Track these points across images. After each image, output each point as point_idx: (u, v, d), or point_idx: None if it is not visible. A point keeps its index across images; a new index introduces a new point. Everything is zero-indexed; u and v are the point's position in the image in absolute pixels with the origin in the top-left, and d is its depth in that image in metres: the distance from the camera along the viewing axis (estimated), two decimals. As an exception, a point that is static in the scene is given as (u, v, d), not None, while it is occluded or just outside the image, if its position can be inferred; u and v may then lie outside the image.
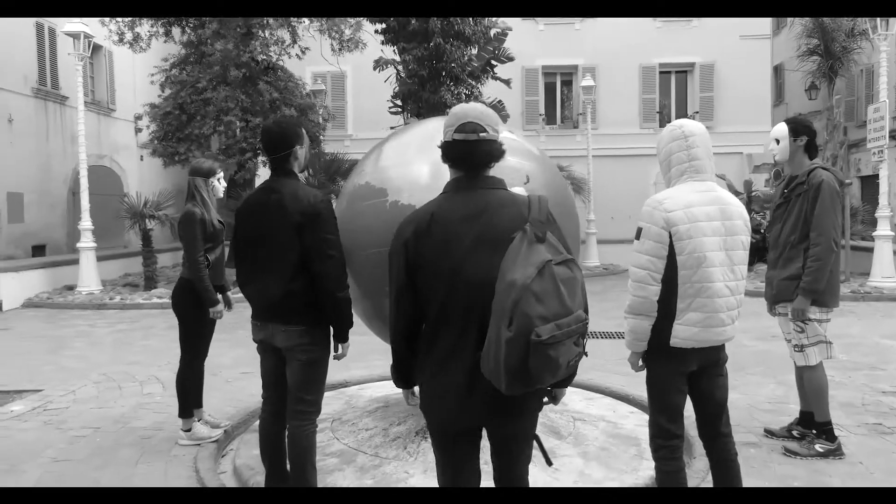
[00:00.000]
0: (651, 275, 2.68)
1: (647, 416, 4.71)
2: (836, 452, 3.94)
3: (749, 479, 3.66)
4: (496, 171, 2.23)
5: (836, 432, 4.04)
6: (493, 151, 2.15)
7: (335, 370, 5.88)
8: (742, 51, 19.38)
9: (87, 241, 11.84)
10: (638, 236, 2.73)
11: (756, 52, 19.55)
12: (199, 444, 4.23)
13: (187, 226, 4.08)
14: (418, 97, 11.20)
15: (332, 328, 3.07)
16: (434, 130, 4.14)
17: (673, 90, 20.47)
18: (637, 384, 5.54)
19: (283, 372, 3.11)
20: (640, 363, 2.85)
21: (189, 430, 4.29)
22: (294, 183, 3.04)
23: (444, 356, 2.10)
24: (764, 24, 19.71)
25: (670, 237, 2.66)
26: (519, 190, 3.52)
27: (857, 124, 20.93)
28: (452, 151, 2.15)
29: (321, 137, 13.78)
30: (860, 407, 4.96)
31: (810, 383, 3.99)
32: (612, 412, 4.73)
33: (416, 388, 2.32)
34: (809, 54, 17.56)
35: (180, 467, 3.94)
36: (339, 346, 3.13)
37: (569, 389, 5.14)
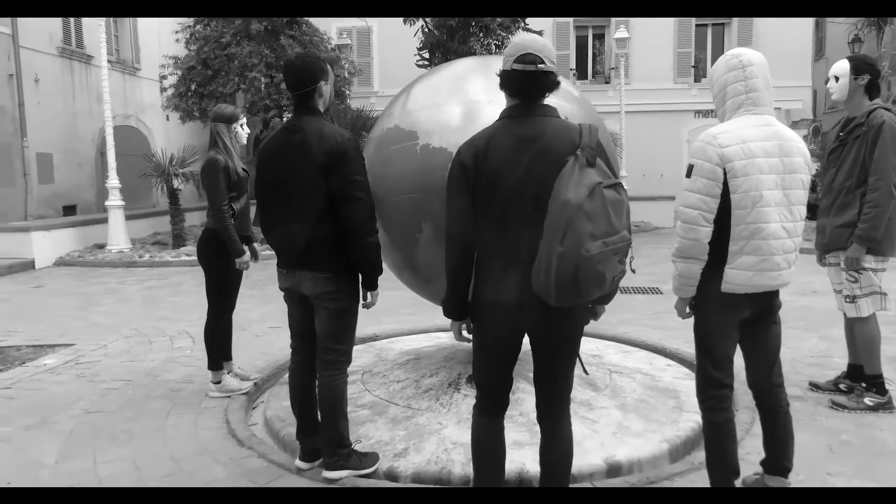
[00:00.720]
0: (703, 215, 2.50)
1: (684, 370, 4.63)
2: (886, 406, 3.76)
3: (797, 434, 3.51)
4: None
5: (887, 386, 3.85)
6: (550, 83, 2.25)
7: (364, 323, 5.83)
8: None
9: (115, 200, 11.87)
10: (689, 174, 2.54)
11: (797, 1, 18.67)
12: (229, 397, 4.19)
13: (210, 173, 3.97)
14: (447, 48, 10.79)
15: (360, 275, 2.96)
16: (464, 71, 3.97)
17: (709, 44, 19.75)
18: (674, 338, 5.43)
19: (311, 321, 3.01)
20: (688, 310, 2.69)
21: (219, 383, 4.25)
22: (318, 121, 2.89)
23: (498, 274, 2.23)
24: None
25: (724, 174, 2.47)
26: None
27: (900, 77, 20.09)
28: (512, 81, 2.25)
29: (347, 93, 13.54)
30: (910, 362, 4.75)
31: (861, 335, 3.80)
32: (650, 365, 4.58)
33: (465, 327, 2.46)
34: None
35: (211, 419, 3.91)
36: (368, 294, 3.01)
37: (604, 343, 5.13)
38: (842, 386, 4.04)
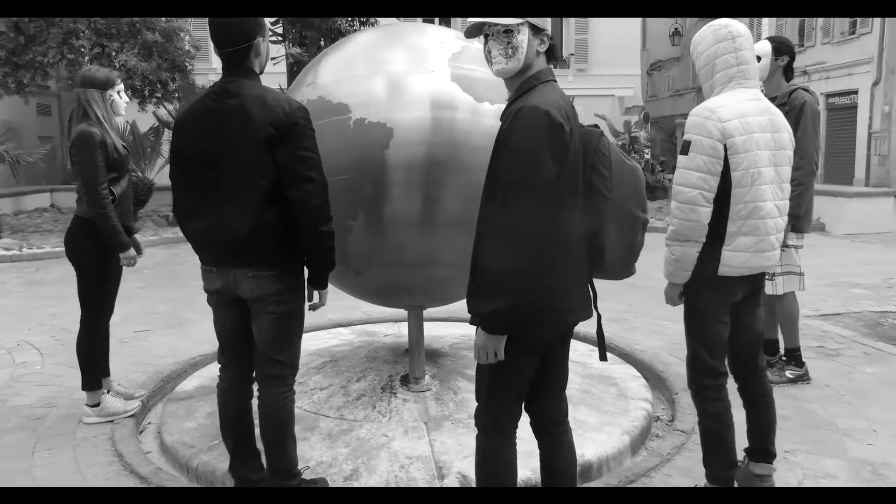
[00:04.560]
0: (703, 194, 2.35)
1: (609, 354, 4.59)
2: (804, 377, 3.93)
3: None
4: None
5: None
6: None
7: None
8: (616, -6, 19.68)
9: None
10: (685, 151, 2.37)
11: (629, -5, 19.94)
12: (111, 421, 3.46)
13: (84, 150, 3.20)
14: (307, 23, 9.98)
15: (308, 271, 2.48)
16: (373, 42, 3.54)
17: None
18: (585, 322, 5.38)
19: (247, 328, 2.48)
20: (680, 296, 2.53)
21: (97, 406, 3.50)
22: (258, 85, 2.36)
23: (571, 257, 2.01)
24: (637, -33, 20.08)
25: (725, 150, 2.32)
26: (500, 106, 3.06)
27: (715, 71, 22.18)
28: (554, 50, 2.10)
29: (189, 68, 12.27)
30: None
31: (781, 310, 3.92)
32: (574, 352, 4.44)
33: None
34: None
35: (94, 453, 3.19)
36: (316, 293, 2.54)
37: None
38: (758, 360, 4.17)
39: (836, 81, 16.92)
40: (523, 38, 1.99)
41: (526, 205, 1.86)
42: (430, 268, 3.26)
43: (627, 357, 4.49)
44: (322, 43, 10.92)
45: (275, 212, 2.32)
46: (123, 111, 3.45)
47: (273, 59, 12.88)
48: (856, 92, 16.30)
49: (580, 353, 4.43)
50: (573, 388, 3.69)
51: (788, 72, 3.84)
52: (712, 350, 2.49)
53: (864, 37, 15.74)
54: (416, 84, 3.16)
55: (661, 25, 23.20)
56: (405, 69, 3.23)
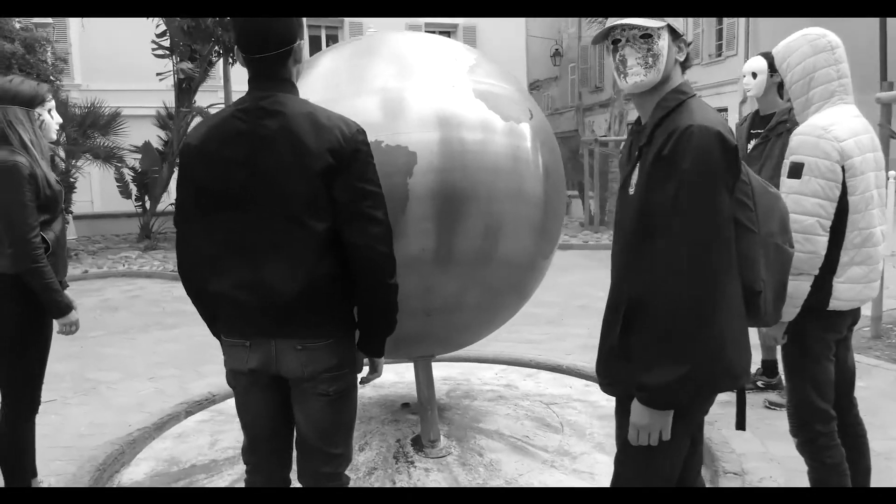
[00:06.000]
0: (820, 222, 2.09)
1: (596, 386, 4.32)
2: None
3: (752, 442, 3.37)
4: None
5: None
6: None
7: (188, 375, 4.50)
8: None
9: None
10: (797, 174, 2.10)
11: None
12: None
13: (7, 184, 2.44)
14: (207, 32, 8.86)
15: (362, 334, 1.94)
16: (356, 58, 3.02)
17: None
18: (550, 350, 5.10)
19: (287, 415, 1.91)
20: (784, 335, 2.25)
21: (28, 517, 2.67)
22: (303, 101, 1.82)
23: (740, 307, 1.67)
24: (520, -9, 20.63)
25: (843, 173, 2.07)
26: (525, 125, 2.74)
27: (591, 90, 23.24)
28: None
29: (59, 84, 10.86)
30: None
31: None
32: (570, 388, 4.13)
33: None
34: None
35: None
36: (373, 361, 2.01)
37: (491, 366, 4.57)
38: (759, 383, 4.05)
39: (707, 100, 17.90)
40: (664, 43, 1.64)
41: (702, 246, 1.53)
42: (454, 312, 2.80)
43: (624, 390, 4.22)
44: (217, 59, 10.00)
45: (329, 263, 1.78)
46: (55, 135, 2.69)
47: (159, 74, 11.85)
48: (725, 110, 17.52)
49: (577, 390, 4.11)
50: (599, 433, 3.38)
51: (782, 88, 3.76)
52: (822, 392, 2.23)
53: (731, 59, 16.97)
54: (411, 102, 2.69)
55: (542, 46, 23.94)
56: (404, 85, 2.76)
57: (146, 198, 12.96)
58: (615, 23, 1.64)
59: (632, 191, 1.67)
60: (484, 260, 2.75)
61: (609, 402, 3.83)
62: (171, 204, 13.40)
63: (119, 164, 12.57)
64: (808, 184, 2.08)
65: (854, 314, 2.29)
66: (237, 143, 1.75)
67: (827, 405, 2.24)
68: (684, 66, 1.72)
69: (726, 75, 17.12)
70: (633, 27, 1.63)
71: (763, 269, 1.74)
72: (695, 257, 1.52)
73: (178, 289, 10.52)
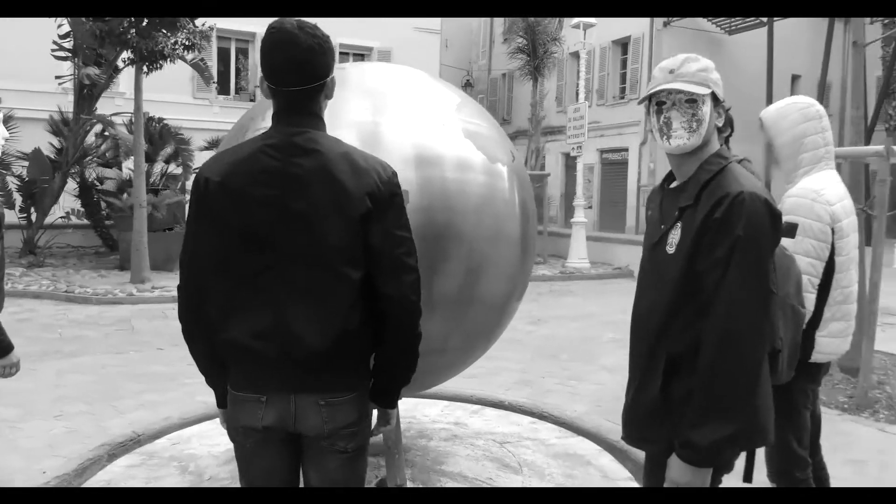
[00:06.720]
0: (811, 280, 2.21)
1: (550, 425, 4.32)
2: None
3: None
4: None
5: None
6: None
7: (103, 412, 4.19)
8: (415, 41, 20.19)
9: None
10: (791, 234, 2.20)
11: (428, 44, 20.65)
12: None
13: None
14: (120, 39, 8.18)
15: (380, 383, 1.81)
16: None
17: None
18: (486, 384, 5.09)
19: (297, 475, 1.76)
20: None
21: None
22: (336, 139, 1.70)
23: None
24: (434, 21, 20.90)
25: (832, 234, 2.21)
26: (507, 167, 2.79)
27: (499, 122, 23.83)
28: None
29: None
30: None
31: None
32: (518, 426, 4.11)
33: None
34: (518, 52, 18.98)
35: None
36: (385, 412, 1.90)
37: (449, 403, 4.49)
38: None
39: (610, 139, 19.06)
40: (707, 109, 1.70)
41: (757, 310, 1.58)
42: (438, 355, 2.73)
43: (570, 426, 4.25)
44: (124, 66, 9.35)
45: (360, 312, 1.66)
46: (1, 150, 2.39)
47: (58, 78, 10.96)
48: (626, 149, 18.52)
49: (526, 428, 4.10)
50: (557, 473, 3.38)
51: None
52: (801, 439, 2.34)
53: (633, 101, 17.97)
54: (394, 138, 2.63)
55: (454, 75, 24.37)
56: (381, 119, 2.68)
57: (32, 209, 11.90)
58: (663, 87, 1.67)
59: (671, 249, 1.68)
60: (466, 301, 2.71)
61: (559, 441, 3.90)
62: (62, 217, 12.54)
63: (4, 172, 11.49)
64: (802, 244, 2.19)
65: (828, 365, 2.42)
66: (266, 182, 1.61)
67: (805, 452, 2.35)
68: (721, 131, 1.77)
69: (628, 117, 18.12)
70: (679, 91, 1.66)
71: (782, 328, 1.81)
72: (751, 322, 1.56)
73: (74, 311, 9.82)
